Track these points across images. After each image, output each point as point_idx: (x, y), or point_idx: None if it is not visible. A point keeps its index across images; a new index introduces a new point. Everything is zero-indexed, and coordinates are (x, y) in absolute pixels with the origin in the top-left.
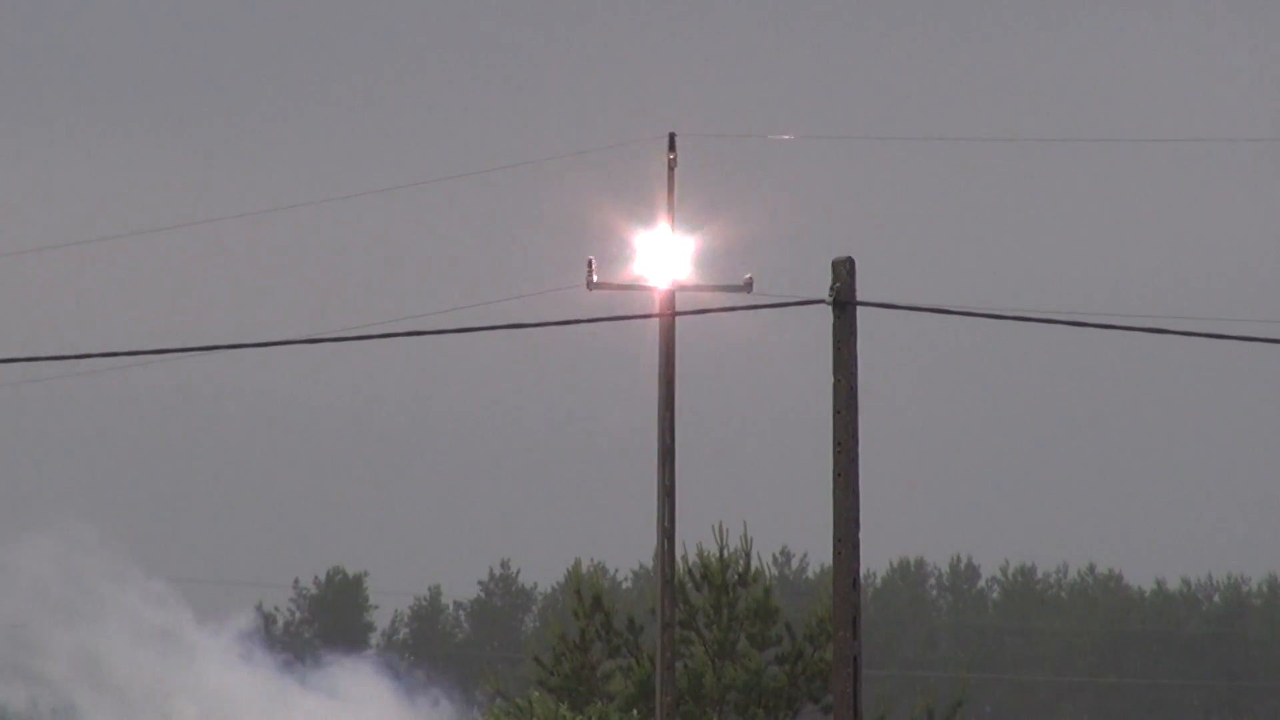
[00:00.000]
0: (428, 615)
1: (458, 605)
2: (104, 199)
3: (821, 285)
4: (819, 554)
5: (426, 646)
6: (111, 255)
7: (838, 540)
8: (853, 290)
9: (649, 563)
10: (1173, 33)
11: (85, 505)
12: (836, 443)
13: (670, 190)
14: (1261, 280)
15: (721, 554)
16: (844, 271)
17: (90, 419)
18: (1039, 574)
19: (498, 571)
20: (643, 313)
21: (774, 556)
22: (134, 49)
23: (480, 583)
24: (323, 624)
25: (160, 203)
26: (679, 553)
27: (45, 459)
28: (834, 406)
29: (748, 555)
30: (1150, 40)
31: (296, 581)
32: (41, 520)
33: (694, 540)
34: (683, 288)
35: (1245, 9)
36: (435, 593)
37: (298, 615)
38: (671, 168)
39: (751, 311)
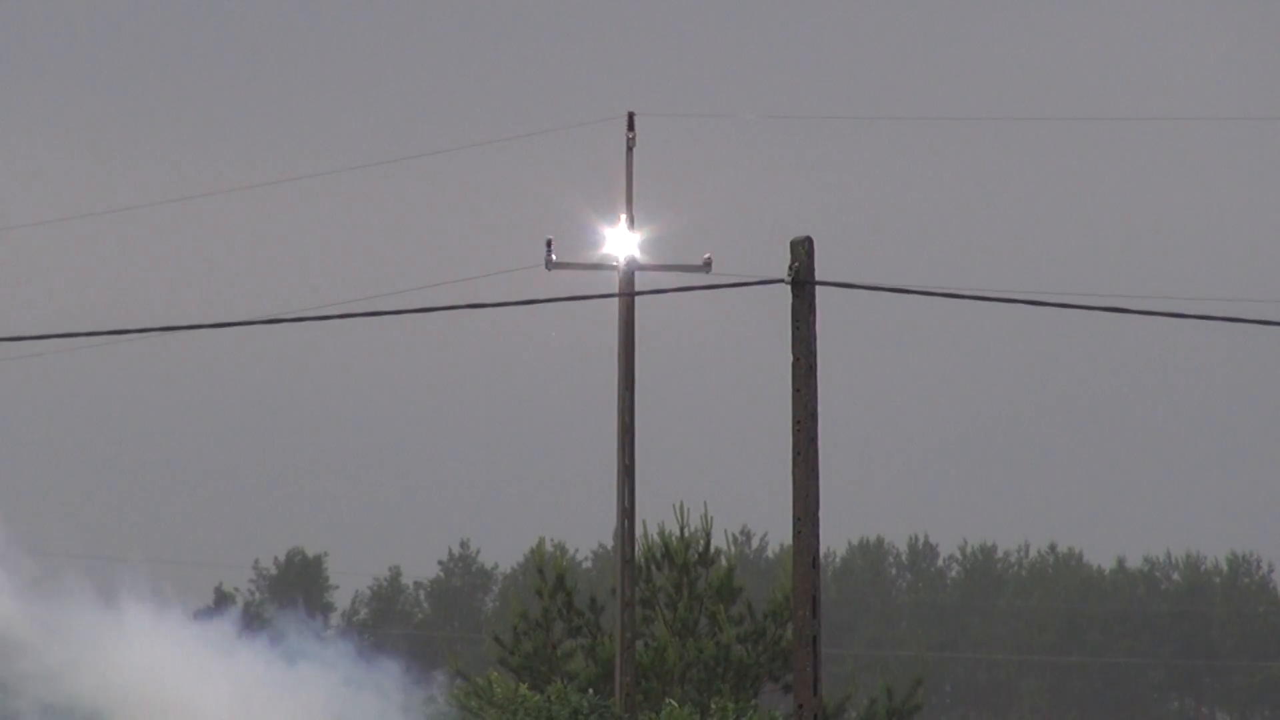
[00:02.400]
0: (387, 595)
1: (417, 585)
2: (60, 180)
3: (780, 265)
4: (779, 533)
5: (386, 626)
6: (70, 236)
7: (797, 519)
8: (811, 270)
9: (609, 542)
10: (1136, 9)
11: (40, 487)
12: (796, 422)
13: (629, 170)
14: (1221, 259)
15: (682, 533)
16: (802, 251)
17: (50, 399)
18: (999, 553)
19: (457, 551)
20: (602, 292)
21: (734, 536)
22: (79, 26)
23: (440, 563)
24: (283, 604)
25: (116, 184)
26: (640, 532)
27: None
28: (793, 385)
29: (708, 535)
30: (1110, 17)
31: (256, 562)
32: None
33: (654, 520)
34: (642, 267)
35: None
36: (395, 573)
37: (257, 595)
38: (630, 147)
39: (710, 291)
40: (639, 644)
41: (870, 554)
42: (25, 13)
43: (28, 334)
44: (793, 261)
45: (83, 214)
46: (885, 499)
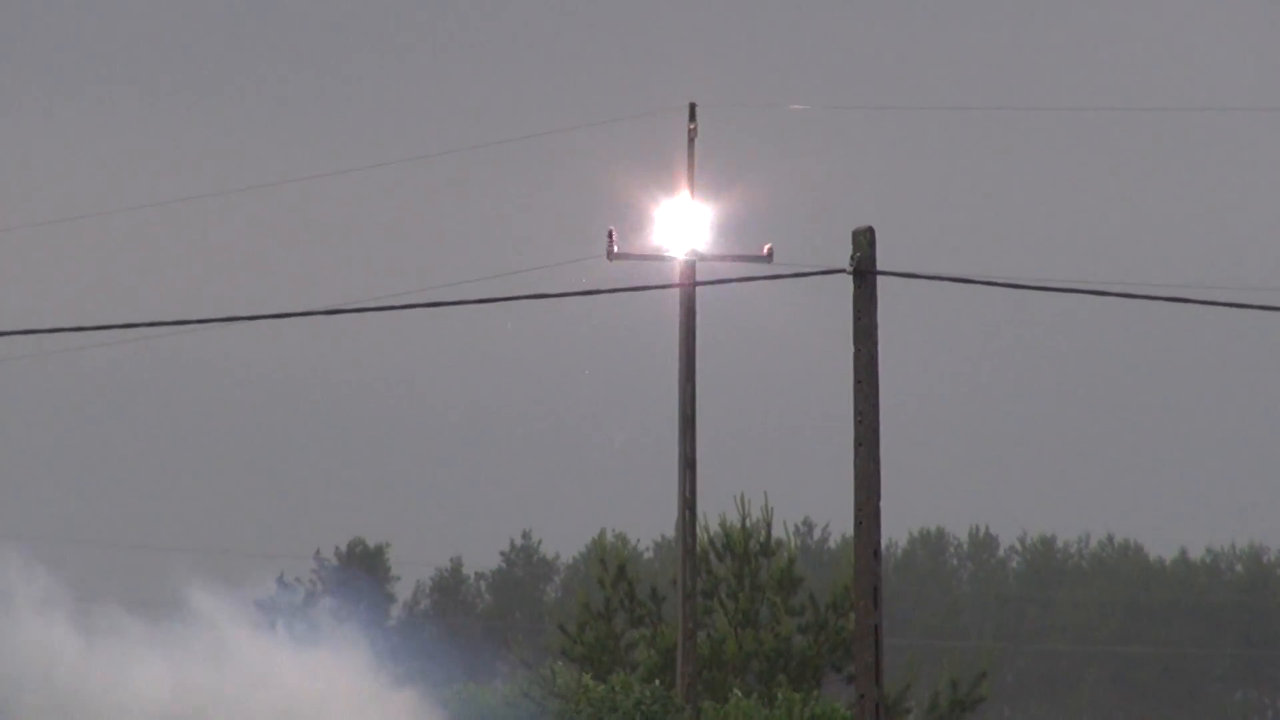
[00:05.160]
0: (449, 586)
1: (479, 576)
2: (120, 169)
3: (842, 255)
4: (840, 524)
5: (448, 617)
6: (135, 225)
7: (859, 510)
8: (873, 260)
9: (670, 533)
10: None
11: (99, 477)
12: (857, 413)
13: (690, 160)
14: None
15: (744, 524)
16: (864, 241)
17: (113, 389)
18: (1059, 544)
19: (519, 542)
20: (663, 283)
21: (795, 527)
22: (132, 16)
23: (502, 553)
24: (344, 595)
25: (184, 173)
26: (700, 523)
27: (61, 427)
28: (854, 376)
29: (769, 525)
30: (1172, 7)
31: (318, 552)
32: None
33: (715, 511)
34: (703, 258)
35: None
36: (457, 563)
37: (319, 586)
38: (692, 138)
39: (772, 281)
40: (700, 634)
41: (931, 545)
42: (65, 9)
43: (88, 324)
44: (854, 251)
45: (144, 204)
46: (946, 490)
